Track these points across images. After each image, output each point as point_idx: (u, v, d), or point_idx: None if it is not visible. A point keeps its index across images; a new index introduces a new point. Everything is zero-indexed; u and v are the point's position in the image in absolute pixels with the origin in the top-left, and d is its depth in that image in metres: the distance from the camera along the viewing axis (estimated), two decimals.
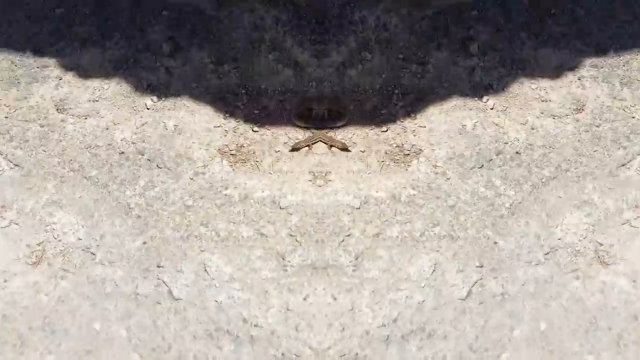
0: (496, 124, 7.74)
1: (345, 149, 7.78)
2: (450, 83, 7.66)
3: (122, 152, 6.68)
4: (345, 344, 5.69)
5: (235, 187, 6.59)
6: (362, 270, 7.32)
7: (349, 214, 7.38)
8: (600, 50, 6.70)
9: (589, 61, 6.82)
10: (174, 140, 6.58)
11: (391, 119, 7.95)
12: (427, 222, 7.45)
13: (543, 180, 7.34)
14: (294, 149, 7.34)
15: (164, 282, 6.88)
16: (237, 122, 7.51)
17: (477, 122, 7.55)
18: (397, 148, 7.94)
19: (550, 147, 7.22)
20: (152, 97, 7.13)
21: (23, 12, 7.32)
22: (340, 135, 8.03)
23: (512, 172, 7.42)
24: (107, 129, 6.60)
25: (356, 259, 7.49)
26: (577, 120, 6.47)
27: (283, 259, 7.07)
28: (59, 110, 6.56)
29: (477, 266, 7.36)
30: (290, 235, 7.07)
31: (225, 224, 6.46)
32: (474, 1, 8.14)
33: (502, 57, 7.30)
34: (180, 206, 6.82)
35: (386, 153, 7.76)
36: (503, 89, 7.73)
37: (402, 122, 7.91)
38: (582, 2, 8.18)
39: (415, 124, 7.81)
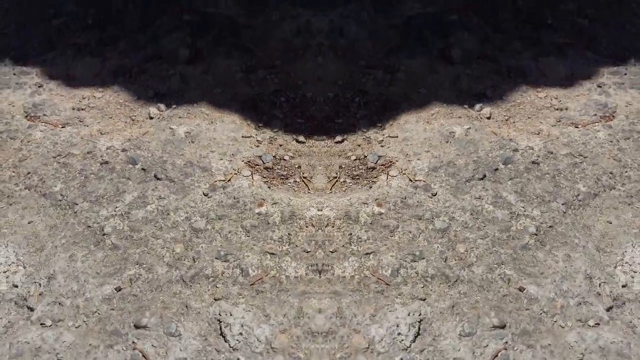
0: (496, 134, 3.78)
1: None
2: (429, 91, 4.08)
3: (105, 162, 3.47)
4: None
5: (275, 204, 3.27)
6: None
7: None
8: (619, 60, 4.20)
9: (606, 70, 4.15)
10: (184, 148, 3.59)
11: (349, 129, 3.87)
12: (404, 253, 2.94)
13: (580, 198, 3.21)
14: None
15: (143, 355, 2.39)
16: (275, 132, 3.78)
17: (469, 128, 3.76)
18: (357, 161, 3.65)
19: (580, 155, 3.52)
20: (158, 105, 3.88)
21: (15, 23, 4.34)
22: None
23: (530, 186, 3.30)
24: (91, 136, 3.59)
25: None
26: (610, 127, 3.71)
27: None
28: (28, 117, 3.66)
29: (494, 326, 2.55)
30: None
31: (258, 256, 2.96)
32: (450, 10, 4.59)
33: (495, 65, 4.23)
34: (184, 230, 3.05)
35: (341, 167, 3.57)
36: (501, 98, 4.04)
37: (365, 132, 3.87)
38: (585, 13, 4.61)
39: (384, 134, 3.85)
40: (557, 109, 3.91)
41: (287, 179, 3.41)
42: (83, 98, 3.88)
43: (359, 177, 3.42)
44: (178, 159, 3.48)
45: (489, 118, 3.87)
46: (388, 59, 4.27)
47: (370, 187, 3.32)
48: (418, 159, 3.51)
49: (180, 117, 3.80)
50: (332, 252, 2.97)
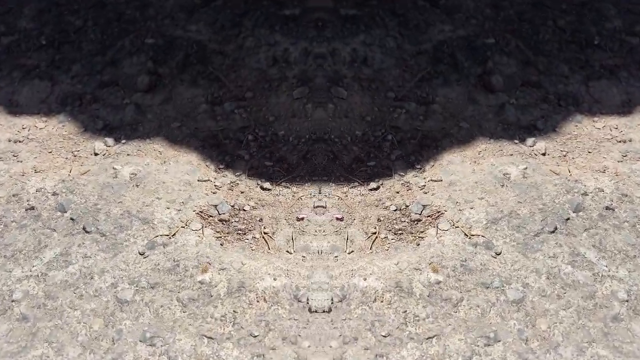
0: (556, 173, 3.08)
1: None
2: (472, 124, 3.43)
3: (32, 208, 2.80)
4: None
5: (222, 270, 2.58)
6: None
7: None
8: None
9: None
10: (124, 194, 2.92)
11: (384, 173, 3.09)
12: (474, 335, 2.31)
13: None
14: None
15: None
16: (238, 176, 3.07)
17: (526, 168, 3.12)
18: (397, 212, 2.89)
19: None
20: (106, 140, 3.25)
21: None
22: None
23: (609, 239, 2.66)
24: (22, 175, 2.95)
25: None
26: None
27: None
28: None
29: None
30: None
31: (193, 340, 2.29)
32: (485, 32, 3.97)
33: (541, 92, 3.58)
34: (107, 301, 2.44)
35: (379, 220, 2.85)
36: (554, 130, 3.39)
37: (403, 176, 3.12)
38: (633, 31, 3.91)
39: (425, 178, 3.11)
40: (620, 141, 3.29)
41: (244, 234, 2.77)
42: (23, 128, 3.24)
43: (402, 232, 2.80)
44: (115, 207, 2.83)
45: (544, 154, 3.27)
46: (420, 89, 3.65)
47: (418, 245, 2.71)
48: (471, 208, 2.89)
49: (128, 155, 3.14)
50: (384, 336, 2.34)
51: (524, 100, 3.55)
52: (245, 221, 2.86)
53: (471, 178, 3.06)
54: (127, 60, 3.69)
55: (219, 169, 3.13)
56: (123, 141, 3.23)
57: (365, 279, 2.50)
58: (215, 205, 2.91)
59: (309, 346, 2.35)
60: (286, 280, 2.54)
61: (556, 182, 3.01)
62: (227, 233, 2.78)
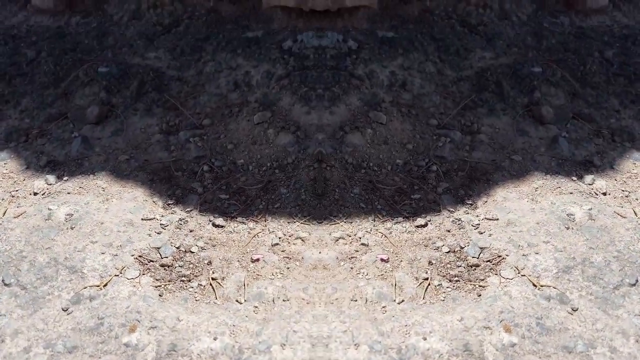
0: (622, 215, 2.59)
1: None
2: (524, 157, 3.03)
3: None
4: None
5: (153, 329, 2.08)
6: None
7: None
8: None
9: None
10: (54, 238, 2.44)
11: (431, 207, 2.66)
12: None
13: None
14: None
15: None
16: (188, 212, 2.57)
17: (591, 209, 2.67)
18: (451, 254, 2.45)
19: None
20: (47, 178, 2.79)
21: None
22: (339, 230, 2.54)
23: None
24: None
25: None
26: None
27: None
28: None
29: None
30: None
31: None
32: (530, 60, 3.58)
33: (593, 126, 3.21)
34: None
35: (431, 263, 2.41)
36: (611, 167, 2.96)
37: (452, 212, 2.70)
38: None
39: (478, 216, 2.67)
40: None
41: (189, 281, 2.29)
42: None
43: (459, 279, 2.35)
44: (42, 254, 2.35)
45: (605, 194, 2.82)
46: (464, 117, 3.27)
47: (479, 296, 2.27)
48: (537, 253, 2.44)
49: (68, 193, 2.70)
50: None
51: (576, 134, 3.16)
52: (191, 265, 2.37)
53: (531, 218, 2.64)
54: (79, 91, 3.28)
55: (168, 204, 2.65)
56: (65, 178, 2.79)
57: (425, 339, 2.04)
58: (158, 248, 2.42)
59: None
60: (229, 340, 2.03)
61: (627, 226, 2.56)
62: (169, 281, 2.30)
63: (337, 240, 2.54)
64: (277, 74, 3.36)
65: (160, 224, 2.57)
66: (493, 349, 2.03)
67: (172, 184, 2.77)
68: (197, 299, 2.24)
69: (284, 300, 2.24)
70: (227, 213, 2.63)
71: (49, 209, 2.62)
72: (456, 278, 2.37)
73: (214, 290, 2.28)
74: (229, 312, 2.18)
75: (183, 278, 2.34)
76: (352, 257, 2.46)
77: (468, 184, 2.85)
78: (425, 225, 2.61)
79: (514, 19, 3.96)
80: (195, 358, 2.01)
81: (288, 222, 2.58)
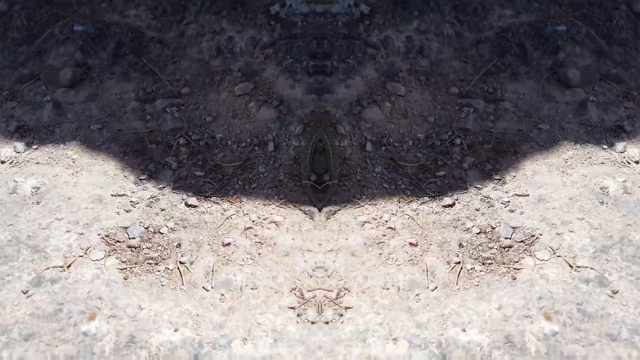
0: None
1: None
2: (552, 125, 2.78)
3: None
4: None
5: (113, 317, 1.97)
6: None
7: None
8: None
9: None
10: (18, 214, 2.28)
11: (457, 185, 2.46)
12: None
13: None
14: None
15: None
16: (161, 189, 2.35)
17: (625, 181, 2.48)
18: (482, 235, 2.29)
19: None
20: (15, 145, 2.55)
21: None
22: (364, 213, 2.35)
23: None
24: None
25: None
26: None
27: None
28: None
29: None
30: None
31: None
32: (552, 18, 3.27)
33: (623, 87, 2.89)
34: None
35: (461, 246, 2.25)
36: None
37: (480, 189, 2.49)
38: None
39: (508, 192, 2.46)
40: None
41: (156, 264, 2.14)
42: None
43: (492, 262, 2.22)
44: (4, 231, 2.21)
45: (638, 162, 2.61)
46: (485, 83, 2.99)
47: (514, 280, 2.14)
48: (571, 232, 2.30)
49: (37, 164, 2.50)
50: None
51: (604, 97, 2.92)
52: (159, 248, 2.23)
53: (563, 192, 2.47)
54: (54, 50, 2.99)
55: (140, 180, 2.47)
56: (35, 146, 2.60)
57: (464, 330, 1.93)
58: (126, 228, 2.29)
59: None
60: (190, 333, 1.91)
61: None
62: (135, 263, 2.17)
63: (363, 224, 2.38)
64: (262, 41, 3.05)
65: (131, 201, 2.40)
66: (535, 339, 1.92)
67: (145, 157, 2.58)
68: (162, 284, 2.12)
69: (251, 289, 2.13)
70: (202, 192, 2.46)
71: (15, 180, 2.45)
72: (489, 261, 2.24)
73: (181, 275, 2.15)
74: (194, 299, 2.06)
75: (150, 261, 2.21)
76: (380, 242, 2.32)
77: (494, 157, 2.65)
78: (453, 204, 2.46)
79: None
80: (154, 351, 1.91)
81: (264, 205, 2.39)
